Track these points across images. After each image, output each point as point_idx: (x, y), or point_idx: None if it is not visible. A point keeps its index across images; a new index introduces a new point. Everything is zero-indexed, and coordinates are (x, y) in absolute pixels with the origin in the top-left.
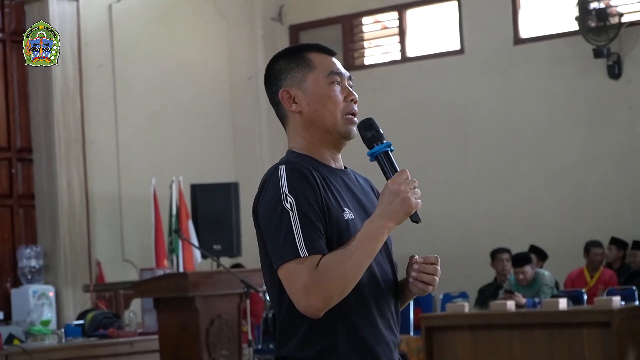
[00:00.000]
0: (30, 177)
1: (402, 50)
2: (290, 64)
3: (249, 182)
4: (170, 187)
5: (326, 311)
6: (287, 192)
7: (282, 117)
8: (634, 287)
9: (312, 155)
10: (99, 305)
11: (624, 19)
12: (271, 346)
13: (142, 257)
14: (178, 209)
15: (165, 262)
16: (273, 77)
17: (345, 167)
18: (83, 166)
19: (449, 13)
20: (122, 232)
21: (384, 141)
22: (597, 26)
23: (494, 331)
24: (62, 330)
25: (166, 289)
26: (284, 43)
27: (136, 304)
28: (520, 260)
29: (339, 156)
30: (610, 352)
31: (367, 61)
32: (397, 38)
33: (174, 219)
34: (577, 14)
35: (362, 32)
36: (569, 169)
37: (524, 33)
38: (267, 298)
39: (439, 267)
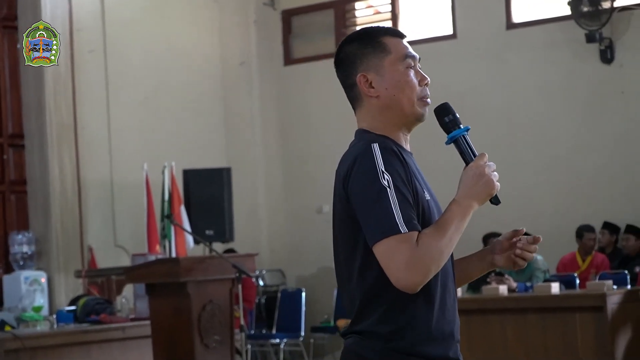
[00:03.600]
0: (22, 163)
1: None
2: (365, 48)
3: (241, 167)
4: (163, 172)
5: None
6: (383, 169)
7: (354, 99)
8: (626, 272)
9: (389, 136)
10: (91, 291)
11: (616, 4)
12: (264, 331)
13: (135, 243)
14: (170, 195)
15: (158, 248)
16: (347, 60)
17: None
18: (75, 152)
19: None
20: (114, 218)
21: (461, 125)
22: (589, 11)
23: (486, 316)
24: (54, 316)
25: (158, 275)
26: (276, 28)
27: (128, 289)
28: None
29: (409, 137)
30: (602, 336)
31: None
32: (390, 23)
33: (166, 204)
34: None
35: (354, 17)
36: (563, 154)
37: (516, 18)
38: (260, 283)
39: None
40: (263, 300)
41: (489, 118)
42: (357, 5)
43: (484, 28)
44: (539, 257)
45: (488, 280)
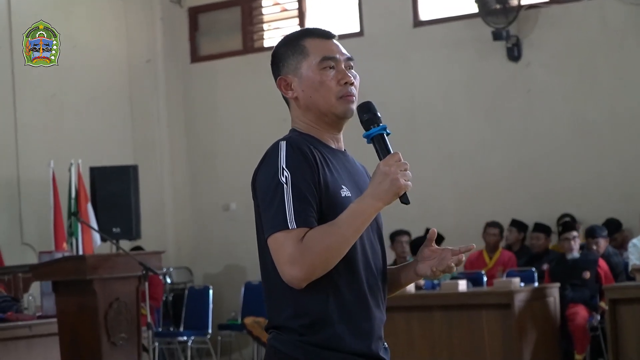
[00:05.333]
0: None
1: None
2: (287, 51)
3: (147, 164)
4: (69, 170)
5: (318, 283)
6: (284, 166)
7: (285, 101)
8: (534, 269)
9: (313, 135)
10: None
11: (523, 2)
12: (171, 329)
13: (41, 241)
14: (77, 192)
15: (65, 245)
16: (274, 65)
17: (344, 150)
18: None
19: None
20: (21, 215)
21: (380, 124)
22: (496, 9)
23: (392, 313)
24: None
25: (64, 272)
26: (182, 25)
27: (35, 287)
28: (418, 247)
29: (340, 137)
30: (509, 333)
31: (267, 44)
32: (297, 20)
33: (72, 202)
34: None
35: (261, 14)
36: (468, 152)
37: (423, 16)
38: (167, 281)
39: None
40: (170, 298)
41: (395, 116)
42: (264, 2)
43: (391, 26)
44: None
45: None
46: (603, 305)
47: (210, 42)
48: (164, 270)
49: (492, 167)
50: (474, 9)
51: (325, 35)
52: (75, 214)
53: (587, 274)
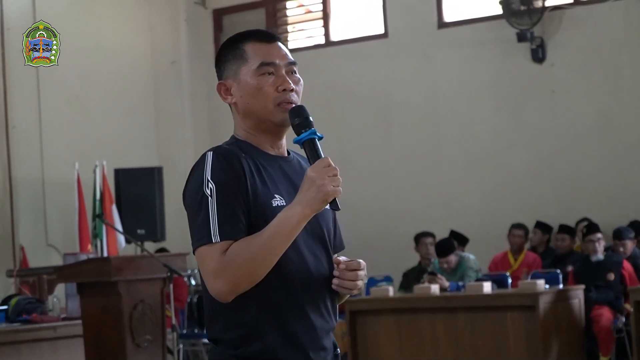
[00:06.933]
0: None
1: (326, 35)
2: (228, 55)
3: (172, 166)
4: (94, 171)
5: (247, 295)
6: (209, 178)
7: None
8: (558, 271)
9: (251, 142)
10: (22, 291)
11: (547, 3)
12: (196, 331)
13: (66, 242)
14: (102, 194)
15: (89, 247)
16: (217, 68)
17: (289, 153)
18: (6, 151)
19: None
20: (46, 217)
21: (310, 128)
22: (520, 10)
23: (418, 315)
24: None
25: (89, 274)
26: (207, 27)
27: (60, 289)
28: (444, 250)
29: (281, 142)
30: (534, 335)
31: (291, 45)
32: (321, 22)
33: (97, 203)
34: None
35: (285, 16)
36: (491, 153)
37: (447, 17)
38: (192, 282)
39: (361, 272)
40: (195, 300)
41: (419, 116)
42: (288, 4)
43: (416, 27)
44: (471, 256)
45: (422, 280)
46: (628, 307)
47: None
48: (189, 271)
49: (516, 167)
50: (498, 10)
51: (267, 38)
52: (100, 215)
53: (611, 276)
